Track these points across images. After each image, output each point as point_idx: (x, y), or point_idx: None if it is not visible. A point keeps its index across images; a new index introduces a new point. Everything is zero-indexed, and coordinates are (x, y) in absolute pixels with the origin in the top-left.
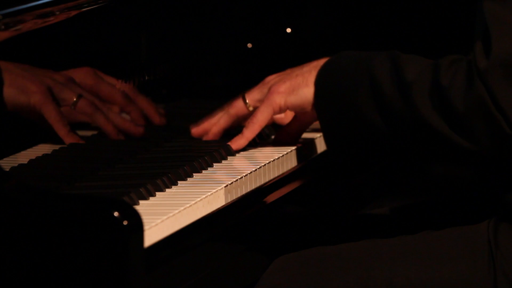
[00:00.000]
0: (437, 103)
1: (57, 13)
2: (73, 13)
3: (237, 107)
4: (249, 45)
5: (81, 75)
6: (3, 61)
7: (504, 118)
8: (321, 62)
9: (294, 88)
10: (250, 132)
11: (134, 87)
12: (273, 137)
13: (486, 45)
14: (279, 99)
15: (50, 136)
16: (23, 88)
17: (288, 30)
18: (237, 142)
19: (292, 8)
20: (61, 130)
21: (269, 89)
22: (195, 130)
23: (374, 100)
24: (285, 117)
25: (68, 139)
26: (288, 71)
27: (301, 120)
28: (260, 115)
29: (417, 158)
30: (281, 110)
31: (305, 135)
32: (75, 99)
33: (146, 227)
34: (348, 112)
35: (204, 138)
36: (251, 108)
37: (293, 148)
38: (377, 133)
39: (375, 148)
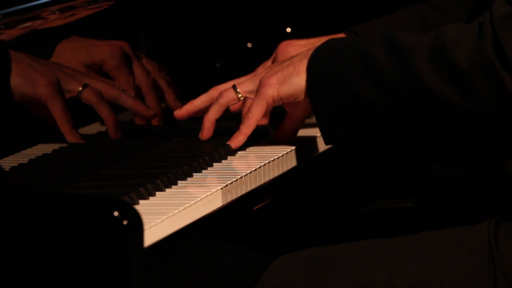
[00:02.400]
0: (438, 62)
1: (57, 12)
2: (73, 12)
3: (228, 96)
4: (249, 45)
5: (108, 52)
6: (12, 50)
7: (510, 74)
8: (311, 50)
9: (286, 78)
10: (247, 127)
11: (151, 83)
12: (272, 136)
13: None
14: (271, 91)
15: (50, 136)
16: (31, 79)
17: (288, 30)
18: (236, 140)
19: (292, 8)
20: (64, 126)
21: (261, 81)
22: (178, 113)
23: (367, 74)
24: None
25: (69, 135)
26: (279, 62)
27: (292, 115)
28: (254, 109)
29: (415, 130)
30: (275, 101)
31: (306, 132)
32: (80, 89)
33: (146, 226)
34: (342, 92)
35: (200, 135)
36: (242, 98)
37: (293, 148)
38: (373, 108)
39: (372, 128)
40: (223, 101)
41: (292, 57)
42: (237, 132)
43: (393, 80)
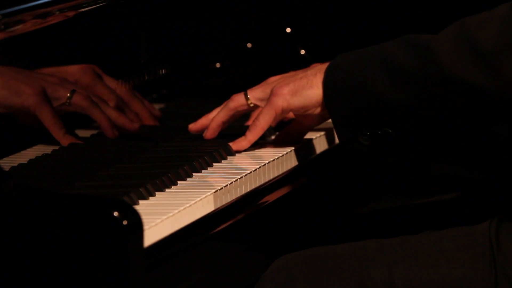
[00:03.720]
0: (462, 47)
1: (57, 13)
2: (73, 13)
3: (238, 101)
4: (249, 45)
5: (80, 72)
6: None
7: None
8: (325, 64)
9: (298, 90)
10: (253, 135)
11: (130, 89)
12: (273, 137)
13: None
14: (281, 101)
15: (50, 136)
16: (16, 90)
17: (288, 30)
18: (239, 144)
19: (292, 8)
20: (57, 133)
21: (272, 90)
22: (193, 126)
23: (388, 74)
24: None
25: (65, 141)
26: (292, 73)
27: (302, 123)
28: (262, 118)
29: (439, 127)
30: (284, 112)
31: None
32: (69, 95)
33: (146, 227)
34: (363, 97)
35: (204, 133)
36: (252, 105)
37: (293, 148)
38: (396, 108)
39: (396, 130)
40: (232, 105)
41: (305, 70)
42: (242, 137)
43: (415, 74)
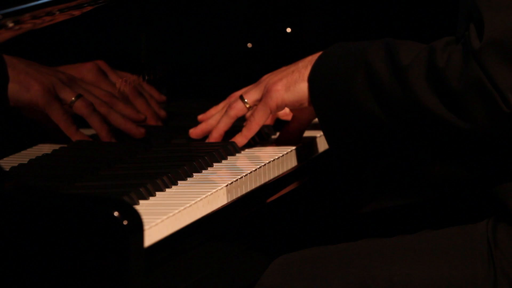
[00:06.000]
0: (434, 84)
1: (57, 13)
2: (73, 13)
3: (237, 108)
4: (249, 45)
5: (85, 70)
6: (7, 55)
7: (500, 96)
8: (316, 56)
9: (291, 85)
10: (248, 131)
11: (135, 87)
12: (273, 137)
13: (478, 26)
14: (275, 97)
15: (50, 136)
16: (26, 85)
17: (288, 30)
18: (236, 141)
19: (292, 8)
20: (69, 130)
21: (266, 87)
22: (193, 131)
23: (370, 88)
24: (289, 114)
25: (76, 137)
26: (284, 68)
27: (299, 118)
28: (257, 114)
29: (414, 145)
30: (279, 107)
31: (306, 133)
32: (73, 99)
33: (146, 227)
34: (345, 102)
35: (207, 141)
36: (251, 108)
37: (293, 147)
38: (375, 121)
39: (374, 140)
40: (232, 113)
41: (297, 63)
42: (239, 134)
43: (393, 96)
